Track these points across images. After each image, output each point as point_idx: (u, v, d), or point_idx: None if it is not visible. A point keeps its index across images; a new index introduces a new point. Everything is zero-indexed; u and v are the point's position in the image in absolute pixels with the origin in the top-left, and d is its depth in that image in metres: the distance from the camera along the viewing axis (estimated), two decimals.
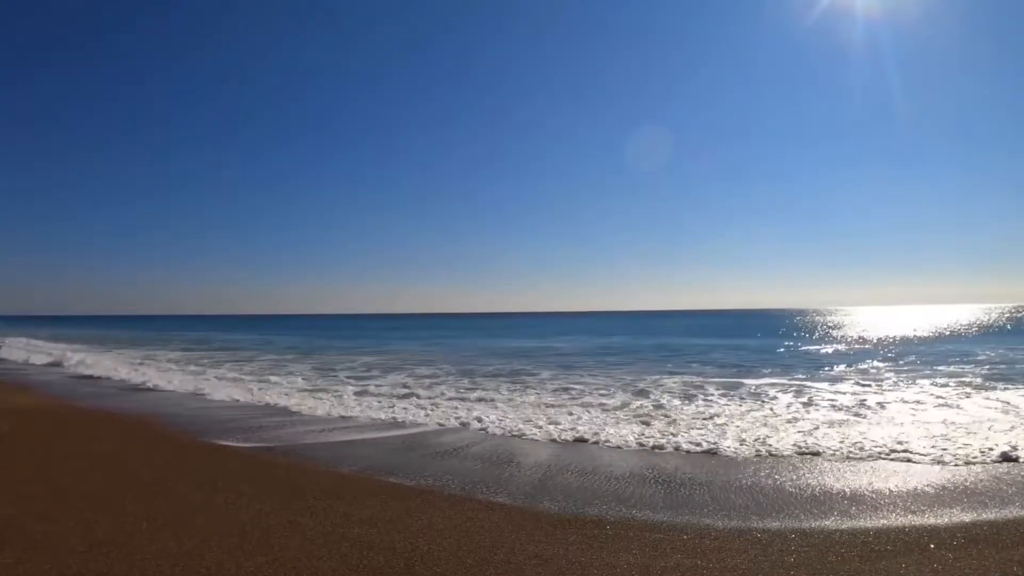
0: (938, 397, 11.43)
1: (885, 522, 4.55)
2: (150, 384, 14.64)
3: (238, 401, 11.81)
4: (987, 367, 17.30)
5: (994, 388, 12.68)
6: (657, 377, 15.53)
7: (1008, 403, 10.39)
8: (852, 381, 14.55)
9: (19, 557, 3.74)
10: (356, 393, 12.81)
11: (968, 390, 12.47)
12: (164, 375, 16.79)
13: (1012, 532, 4.32)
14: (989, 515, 4.71)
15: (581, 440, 7.88)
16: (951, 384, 13.45)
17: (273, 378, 16.40)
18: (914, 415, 9.49)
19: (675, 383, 14.00)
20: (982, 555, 3.89)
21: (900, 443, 7.16)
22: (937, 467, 6.29)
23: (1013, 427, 8.14)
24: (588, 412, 9.98)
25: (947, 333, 38.96)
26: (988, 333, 37.84)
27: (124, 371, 17.58)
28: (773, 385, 13.90)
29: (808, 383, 14.30)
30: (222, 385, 14.34)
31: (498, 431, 8.50)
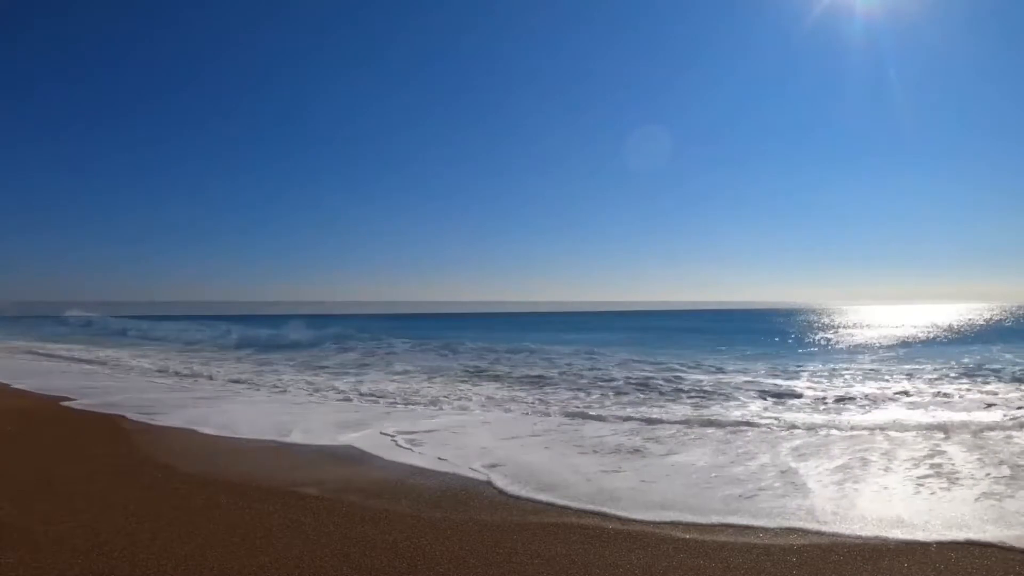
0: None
1: (889, 523, 4.55)
2: None
3: None
4: (944, 369, 16.97)
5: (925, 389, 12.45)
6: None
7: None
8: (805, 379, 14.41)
9: (21, 558, 3.74)
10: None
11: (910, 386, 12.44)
12: None
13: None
14: (995, 519, 4.71)
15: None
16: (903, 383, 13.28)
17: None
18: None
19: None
20: (984, 555, 3.90)
21: None
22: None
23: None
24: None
25: (940, 332, 38.91)
26: (978, 332, 37.76)
27: None
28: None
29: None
30: None
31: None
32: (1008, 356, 19.60)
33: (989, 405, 10.24)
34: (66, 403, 10.49)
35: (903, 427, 8.14)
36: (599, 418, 9.28)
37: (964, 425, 8.13)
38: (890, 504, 4.96)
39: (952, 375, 14.69)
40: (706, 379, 14.17)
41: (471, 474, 6.02)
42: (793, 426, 8.33)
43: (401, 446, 7.29)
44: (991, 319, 58.38)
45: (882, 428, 8.13)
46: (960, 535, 4.21)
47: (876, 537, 4.23)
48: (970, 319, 59.88)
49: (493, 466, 6.27)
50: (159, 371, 17.02)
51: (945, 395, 11.55)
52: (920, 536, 4.21)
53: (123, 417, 9.08)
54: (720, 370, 16.16)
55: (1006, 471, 5.87)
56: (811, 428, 8.19)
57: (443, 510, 4.89)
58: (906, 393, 11.81)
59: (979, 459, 6.35)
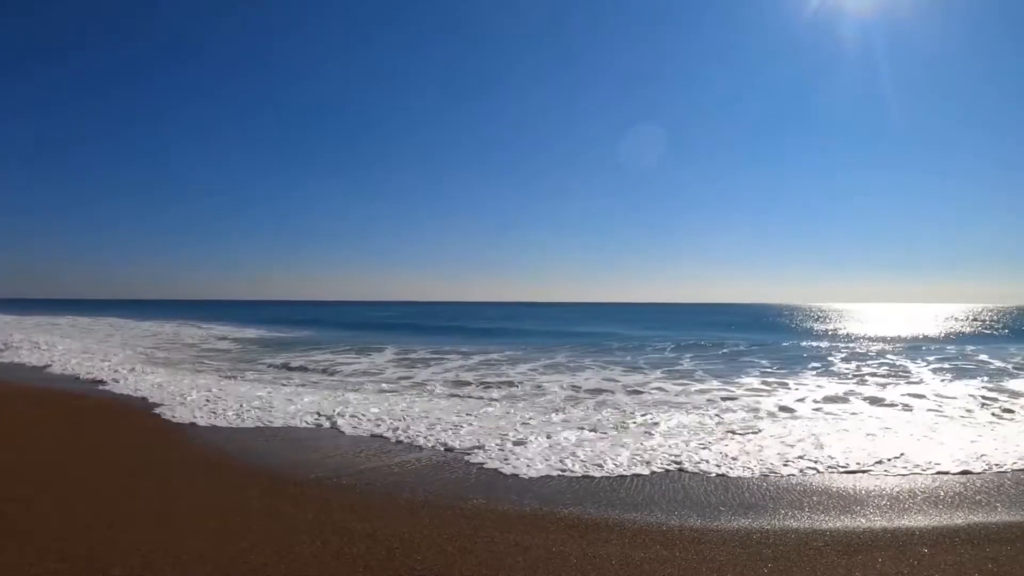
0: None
1: (863, 518, 4.62)
2: None
3: None
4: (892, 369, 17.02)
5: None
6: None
7: None
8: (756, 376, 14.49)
9: (21, 556, 3.67)
10: None
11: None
12: None
13: (988, 530, 4.39)
14: (964, 514, 4.80)
15: None
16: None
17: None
18: None
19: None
20: (957, 551, 3.96)
21: None
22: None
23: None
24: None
25: (928, 332, 39.33)
26: (960, 333, 38.20)
27: None
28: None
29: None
30: None
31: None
32: (983, 357, 19.95)
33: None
34: (61, 398, 10.37)
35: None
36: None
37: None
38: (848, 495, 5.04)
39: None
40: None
41: (449, 462, 6.04)
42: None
43: (380, 434, 7.28)
44: (984, 320, 58.99)
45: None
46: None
47: (848, 528, 4.29)
48: (958, 319, 60.58)
49: (468, 454, 6.29)
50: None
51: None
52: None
53: (119, 414, 9.00)
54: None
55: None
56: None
57: (421, 498, 4.91)
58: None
59: None
